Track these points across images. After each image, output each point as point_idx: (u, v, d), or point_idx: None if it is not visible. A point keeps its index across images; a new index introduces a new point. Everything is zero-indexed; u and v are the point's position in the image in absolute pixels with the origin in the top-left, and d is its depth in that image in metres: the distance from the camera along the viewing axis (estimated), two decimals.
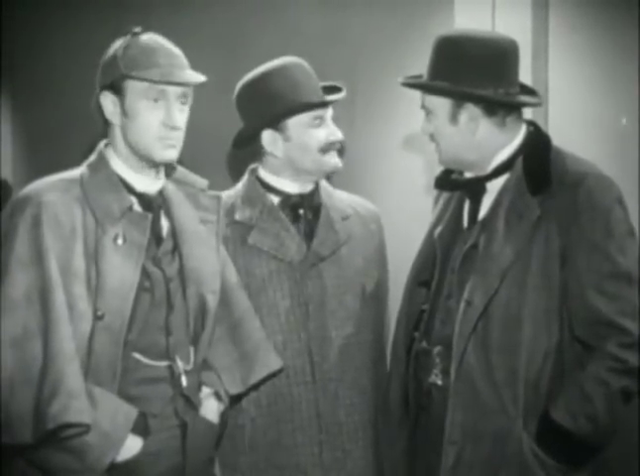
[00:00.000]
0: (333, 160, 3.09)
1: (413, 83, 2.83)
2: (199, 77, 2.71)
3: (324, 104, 3.07)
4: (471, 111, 2.73)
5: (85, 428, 2.57)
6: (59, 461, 2.60)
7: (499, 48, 2.73)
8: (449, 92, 2.72)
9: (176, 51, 2.73)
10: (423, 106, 2.80)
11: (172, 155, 2.72)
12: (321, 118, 3.07)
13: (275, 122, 3.07)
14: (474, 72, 2.69)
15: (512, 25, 3.62)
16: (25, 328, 2.57)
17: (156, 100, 2.67)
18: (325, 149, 3.07)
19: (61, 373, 2.54)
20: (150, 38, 2.72)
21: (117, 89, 2.69)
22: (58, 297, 2.58)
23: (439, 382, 2.76)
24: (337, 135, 3.09)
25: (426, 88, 2.78)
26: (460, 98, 2.72)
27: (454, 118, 2.74)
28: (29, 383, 2.55)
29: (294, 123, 3.06)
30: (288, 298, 3.05)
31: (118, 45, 2.72)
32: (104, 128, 2.77)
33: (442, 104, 2.75)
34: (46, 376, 2.54)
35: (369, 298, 3.13)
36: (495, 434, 2.67)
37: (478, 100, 2.71)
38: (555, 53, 3.84)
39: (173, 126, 2.68)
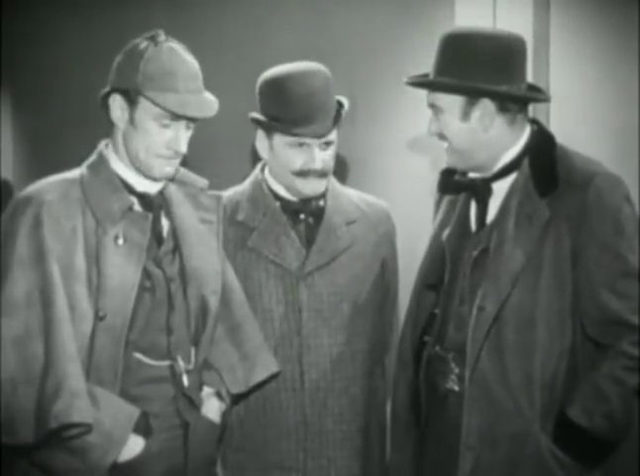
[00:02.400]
0: (309, 185, 3.00)
1: (423, 82, 2.75)
2: (213, 108, 2.69)
3: (302, 134, 2.95)
4: (486, 107, 2.68)
5: (87, 428, 2.57)
6: (61, 461, 2.60)
7: (509, 44, 2.70)
8: (466, 89, 2.66)
9: (195, 68, 2.68)
10: (431, 105, 2.73)
11: (171, 172, 2.73)
12: (304, 143, 2.96)
13: (262, 128, 3.03)
14: (486, 68, 2.65)
15: (514, 23, 3.61)
16: (26, 328, 2.58)
17: (166, 126, 2.66)
18: (299, 173, 2.99)
19: (64, 373, 2.54)
20: (171, 51, 2.66)
21: (129, 98, 2.67)
22: (60, 298, 2.58)
23: (455, 388, 2.73)
24: (316, 164, 2.97)
25: (439, 86, 2.71)
26: (477, 95, 2.67)
27: (466, 115, 2.69)
28: (31, 383, 2.55)
29: (278, 137, 2.99)
30: (283, 304, 3.03)
31: (139, 49, 2.66)
32: (108, 124, 2.74)
33: (453, 101, 2.69)
34: (48, 376, 2.54)
35: (367, 307, 3.09)
36: (512, 437, 2.65)
37: (494, 96, 2.67)
38: (556, 51, 3.84)
39: (178, 151, 2.68)
